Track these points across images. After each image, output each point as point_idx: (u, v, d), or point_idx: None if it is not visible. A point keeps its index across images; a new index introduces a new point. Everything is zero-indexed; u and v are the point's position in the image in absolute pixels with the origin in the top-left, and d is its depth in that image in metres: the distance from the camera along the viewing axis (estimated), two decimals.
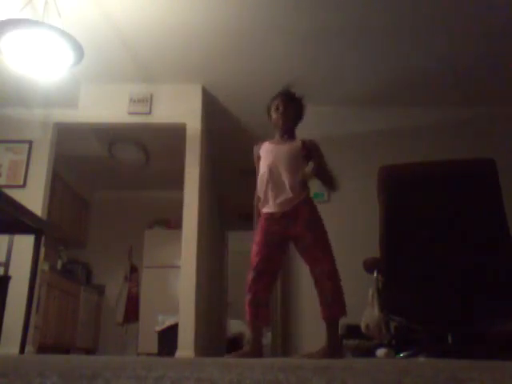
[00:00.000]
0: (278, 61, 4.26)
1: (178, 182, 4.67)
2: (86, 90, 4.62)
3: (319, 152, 2.59)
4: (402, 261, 2.10)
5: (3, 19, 2.87)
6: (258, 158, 2.68)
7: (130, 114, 4.57)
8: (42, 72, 3.42)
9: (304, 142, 2.61)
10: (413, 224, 2.10)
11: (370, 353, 3.07)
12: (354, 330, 3.36)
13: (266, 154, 2.62)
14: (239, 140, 5.27)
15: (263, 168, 2.59)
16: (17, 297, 3.16)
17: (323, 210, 4.67)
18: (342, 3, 3.55)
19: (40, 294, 4.65)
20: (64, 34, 3.02)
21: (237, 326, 8.28)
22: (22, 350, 2.85)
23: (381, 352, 2.61)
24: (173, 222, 6.49)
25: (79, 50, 3.13)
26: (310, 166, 2.44)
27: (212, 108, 4.85)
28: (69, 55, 3.18)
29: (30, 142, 4.52)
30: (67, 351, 5.60)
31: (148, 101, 4.59)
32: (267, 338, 8.62)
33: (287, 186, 2.48)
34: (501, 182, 2.00)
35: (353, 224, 4.46)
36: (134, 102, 4.59)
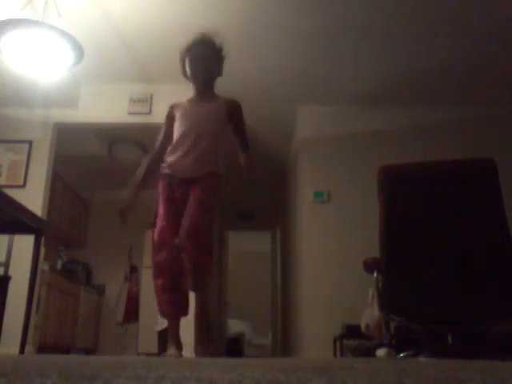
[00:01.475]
0: (278, 61, 4.25)
1: None
2: (86, 90, 4.63)
3: (240, 116, 2.32)
4: (402, 261, 2.10)
5: (3, 19, 2.87)
6: (172, 118, 2.33)
7: (130, 114, 4.57)
8: (42, 72, 3.42)
9: (227, 102, 2.31)
10: (413, 224, 2.10)
11: (370, 353, 3.07)
12: (354, 330, 3.37)
13: (185, 114, 2.28)
14: None
15: (181, 127, 2.25)
16: (17, 297, 3.16)
17: (323, 210, 4.70)
18: (342, 3, 3.55)
19: (40, 294, 4.65)
20: (64, 34, 3.02)
21: (237, 325, 8.28)
22: (22, 350, 2.85)
23: (381, 352, 2.61)
24: None
25: (79, 50, 3.13)
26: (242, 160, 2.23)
27: None
28: (69, 55, 3.18)
29: (30, 142, 4.53)
30: (67, 351, 5.60)
31: (148, 101, 4.59)
32: (267, 338, 8.63)
33: (205, 152, 2.20)
34: (501, 182, 2.00)
35: (353, 224, 4.46)
36: (134, 102, 4.59)
